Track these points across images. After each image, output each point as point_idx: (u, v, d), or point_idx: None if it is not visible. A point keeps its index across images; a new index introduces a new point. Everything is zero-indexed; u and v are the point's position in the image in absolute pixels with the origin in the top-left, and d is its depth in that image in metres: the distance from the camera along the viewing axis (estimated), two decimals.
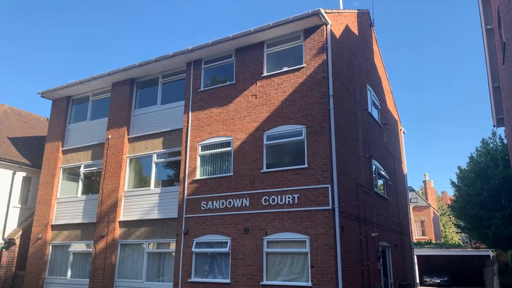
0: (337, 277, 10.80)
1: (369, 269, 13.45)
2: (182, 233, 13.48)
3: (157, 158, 15.32)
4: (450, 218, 59.89)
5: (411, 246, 20.83)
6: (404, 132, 23.36)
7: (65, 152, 17.73)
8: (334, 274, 10.78)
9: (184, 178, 14.07)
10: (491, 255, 28.54)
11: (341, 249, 11.21)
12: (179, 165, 14.53)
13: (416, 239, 42.75)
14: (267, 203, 12.30)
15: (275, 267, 11.78)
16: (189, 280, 12.93)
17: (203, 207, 13.40)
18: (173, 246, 13.80)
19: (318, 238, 11.25)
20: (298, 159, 12.42)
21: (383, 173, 17.19)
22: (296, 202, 11.86)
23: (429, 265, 35.02)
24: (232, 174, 13.19)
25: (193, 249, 13.17)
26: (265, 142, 12.89)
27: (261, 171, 12.67)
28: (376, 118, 17.50)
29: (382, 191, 17.25)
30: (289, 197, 11.99)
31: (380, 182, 17.32)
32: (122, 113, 16.32)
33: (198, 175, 13.92)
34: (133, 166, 16.01)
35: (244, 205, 12.69)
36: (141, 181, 15.81)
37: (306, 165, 11.98)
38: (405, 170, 22.11)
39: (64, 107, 18.27)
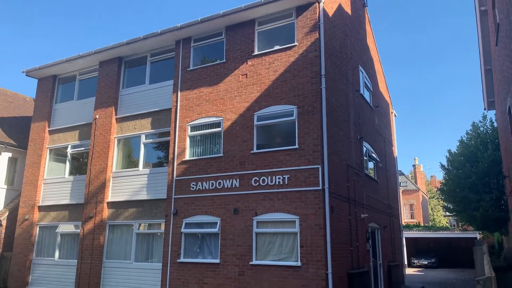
0: (326, 257, 10.81)
1: (358, 250, 13.52)
2: (171, 214, 13.36)
3: (145, 139, 15.08)
4: (439, 201, 60.89)
5: (400, 228, 21.03)
6: (395, 115, 23.32)
7: (51, 132, 17.37)
8: (323, 254, 10.78)
9: (173, 159, 13.88)
10: (478, 237, 29.03)
11: (330, 229, 11.20)
12: (168, 145, 14.32)
13: (405, 222, 43.29)
14: (257, 183, 12.19)
15: (265, 247, 11.75)
16: (178, 260, 12.87)
17: (193, 188, 13.26)
18: (162, 227, 13.70)
19: (308, 218, 11.22)
20: (289, 139, 12.29)
21: (373, 155, 17.16)
22: (286, 182, 11.77)
23: (417, 247, 35.58)
24: (222, 155, 13.02)
25: (182, 230, 13.08)
26: (255, 122, 12.71)
27: (251, 152, 12.52)
28: (368, 100, 17.37)
29: (372, 173, 17.26)
30: (279, 178, 11.89)
31: (370, 164, 17.31)
32: (110, 93, 15.95)
33: (187, 156, 13.73)
34: (121, 147, 15.75)
35: (234, 186, 12.57)
36: (130, 162, 15.58)
37: (296, 146, 11.86)
38: (396, 153, 22.16)
39: (50, 86, 17.81)
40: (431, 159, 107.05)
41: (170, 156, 13.97)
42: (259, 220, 11.96)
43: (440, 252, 34.11)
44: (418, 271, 29.45)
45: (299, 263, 11.00)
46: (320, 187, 11.26)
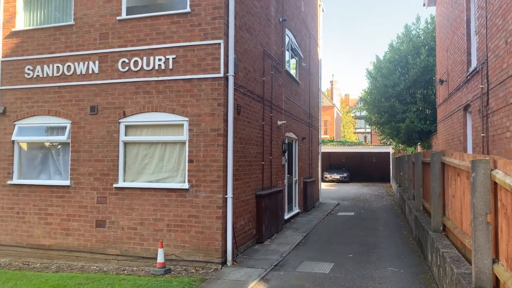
0: (225, 175, 7.39)
1: (271, 165, 10.42)
2: None
3: None
4: (351, 119, 62.23)
5: (319, 141, 18.65)
6: (323, 10, 19.70)
7: None
8: (221, 171, 7.32)
9: None
10: (390, 152, 28.64)
11: (234, 137, 7.68)
12: None
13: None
14: (127, 68, 7.96)
15: (137, 163, 7.95)
16: (9, 182, 8.60)
17: (29, 74, 8.60)
18: None
19: (202, 121, 7.49)
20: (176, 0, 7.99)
21: (297, 49, 13.61)
22: (170, 67, 7.70)
23: (330, 162, 34.99)
24: (73, 23, 8.34)
25: (15, 137, 8.65)
26: None
27: (118, 18, 8.03)
28: None
29: (294, 72, 13.84)
30: (160, 60, 7.76)
31: (292, 61, 13.80)
32: None
33: (19, 25, 8.78)
34: None
35: (91, 72, 8.20)
36: None
37: (188, 9, 7.62)
38: (320, 55, 18.94)
39: None
40: (347, 78, 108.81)
41: None
42: (130, 124, 7.97)
43: (352, 167, 33.89)
44: (331, 185, 28.64)
45: (186, 185, 7.47)
46: (222, 74, 7.42)
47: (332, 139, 42.93)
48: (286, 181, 12.41)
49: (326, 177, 31.14)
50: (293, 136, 13.34)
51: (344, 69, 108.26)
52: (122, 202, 7.85)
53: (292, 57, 13.52)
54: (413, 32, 19.88)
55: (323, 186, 27.03)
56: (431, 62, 17.42)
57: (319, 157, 18.94)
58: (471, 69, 10.60)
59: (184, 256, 7.41)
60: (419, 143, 19.94)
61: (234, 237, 7.59)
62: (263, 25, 9.89)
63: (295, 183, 13.74)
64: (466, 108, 11.33)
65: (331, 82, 58.28)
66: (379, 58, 21.01)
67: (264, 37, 9.97)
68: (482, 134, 9.26)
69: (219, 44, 7.42)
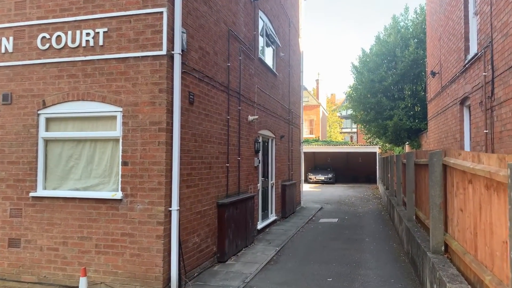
0: (170, 182, 5.78)
1: (239, 167, 8.85)
2: None
3: None
4: (337, 119, 61.34)
5: (300, 140, 17.14)
6: None
7: None
8: (164, 176, 5.70)
9: None
10: (377, 152, 27.37)
11: (184, 132, 6.09)
12: None
13: (304, 137, 41.16)
14: (47, 45, 6.29)
15: (61, 166, 6.29)
16: None
17: None
18: None
19: (139, 112, 5.87)
20: None
21: (274, 36, 12.07)
22: (101, 43, 6.05)
23: (315, 162, 33.63)
24: None
25: None
26: None
27: None
28: None
29: (271, 63, 12.30)
30: (88, 34, 6.11)
31: (269, 50, 12.25)
32: None
33: None
34: None
35: (4, 51, 6.51)
36: None
37: None
38: (302, 47, 17.44)
39: None
40: (333, 77, 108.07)
41: None
42: (51, 116, 6.30)
43: (337, 168, 32.57)
44: (315, 187, 27.22)
45: (119, 195, 5.84)
46: (165, 52, 5.81)
47: (318, 138, 41.63)
48: (260, 185, 10.87)
49: (310, 178, 29.73)
50: (269, 134, 11.80)
51: (330, 69, 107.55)
52: (41, 216, 6.18)
53: (268, 45, 11.96)
54: (401, 24, 18.56)
55: (307, 187, 25.61)
56: (421, 54, 16.10)
57: (301, 157, 17.46)
58: (469, 56, 9.20)
59: (116, 285, 5.77)
60: (407, 143, 18.63)
61: (182, 260, 5.98)
62: (228, 1, 8.31)
63: (272, 187, 12.21)
64: (463, 101, 9.94)
65: (317, 80, 57.06)
66: (365, 52, 19.61)
67: (230, 15, 8.39)
68: (485, 131, 7.85)
69: (162, 13, 5.81)
